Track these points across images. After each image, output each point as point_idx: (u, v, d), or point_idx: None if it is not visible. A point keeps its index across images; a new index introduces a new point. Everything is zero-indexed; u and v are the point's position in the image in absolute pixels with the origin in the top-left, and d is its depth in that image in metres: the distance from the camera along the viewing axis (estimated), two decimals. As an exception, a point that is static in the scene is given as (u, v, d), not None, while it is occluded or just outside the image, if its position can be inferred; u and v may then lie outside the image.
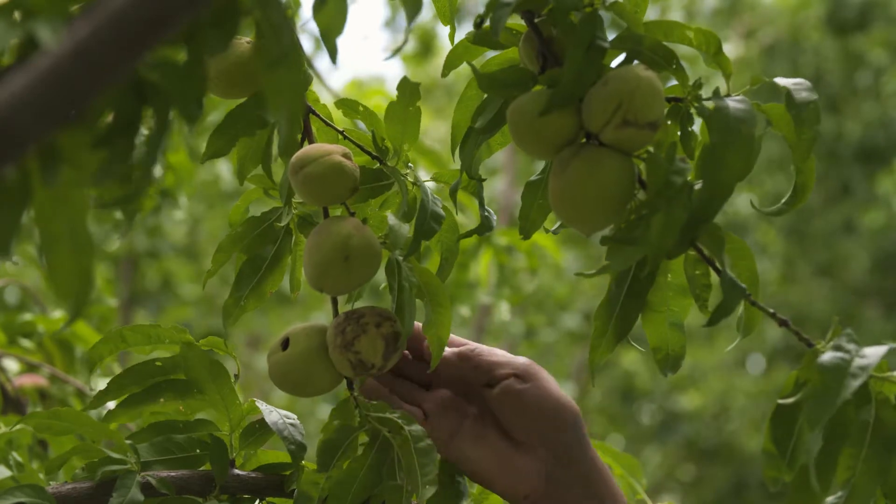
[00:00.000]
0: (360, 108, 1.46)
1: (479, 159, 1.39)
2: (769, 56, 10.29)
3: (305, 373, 1.41)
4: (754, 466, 10.29)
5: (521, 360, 1.42)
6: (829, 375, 1.14)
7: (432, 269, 1.44)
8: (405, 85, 1.42)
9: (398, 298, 1.38)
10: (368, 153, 1.46)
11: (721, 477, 10.58)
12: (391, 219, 1.38)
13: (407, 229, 1.38)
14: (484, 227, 1.43)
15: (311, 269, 1.40)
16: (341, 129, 1.48)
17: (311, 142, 1.45)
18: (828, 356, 1.16)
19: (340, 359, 1.39)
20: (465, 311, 3.09)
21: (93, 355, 1.48)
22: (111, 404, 1.46)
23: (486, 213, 1.43)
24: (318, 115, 1.48)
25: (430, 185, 1.43)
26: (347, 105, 1.47)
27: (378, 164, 1.45)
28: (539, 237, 2.97)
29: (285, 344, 1.42)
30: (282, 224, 1.48)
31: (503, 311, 3.16)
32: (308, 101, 1.47)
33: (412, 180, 1.42)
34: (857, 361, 1.15)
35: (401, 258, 1.38)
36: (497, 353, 1.43)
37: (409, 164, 1.44)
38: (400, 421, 1.38)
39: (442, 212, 1.38)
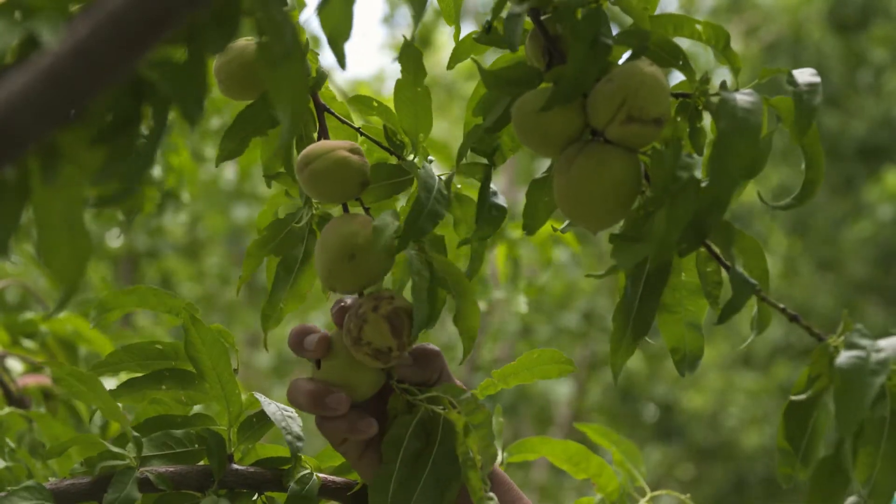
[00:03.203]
0: (375, 105, 1.44)
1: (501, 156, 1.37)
2: (770, 53, 10.29)
3: (346, 378, 1.39)
4: (754, 464, 10.29)
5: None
6: (850, 377, 1.13)
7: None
8: (407, 52, 1.38)
9: (413, 292, 1.35)
10: (385, 148, 1.44)
11: (721, 476, 10.58)
12: (381, 217, 1.34)
13: (394, 227, 1.33)
14: (495, 218, 1.38)
15: (320, 269, 1.38)
16: (357, 126, 1.46)
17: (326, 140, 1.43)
18: (844, 357, 1.14)
19: (360, 355, 1.37)
20: (482, 305, 3.08)
21: (110, 301, 1.46)
22: (111, 384, 1.45)
23: (495, 199, 1.37)
24: (332, 113, 1.46)
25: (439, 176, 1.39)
26: (361, 102, 1.46)
27: (396, 160, 1.43)
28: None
29: (318, 363, 1.41)
30: (300, 225, 1.46)
31: (521, 304, 3.16)
32: (324, 98, 1.46)
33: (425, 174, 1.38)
34: (875, 357, 1.14)
35: (413, 252, 1.35)
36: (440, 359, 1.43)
37: (430, 157, 1.42)
38: (447, 396, 1.36)
39: (443, 210, 1.34)
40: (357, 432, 1.39)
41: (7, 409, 1.51)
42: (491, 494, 1.34)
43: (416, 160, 1.43)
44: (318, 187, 1.38)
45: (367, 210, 1.42)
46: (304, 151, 1.38)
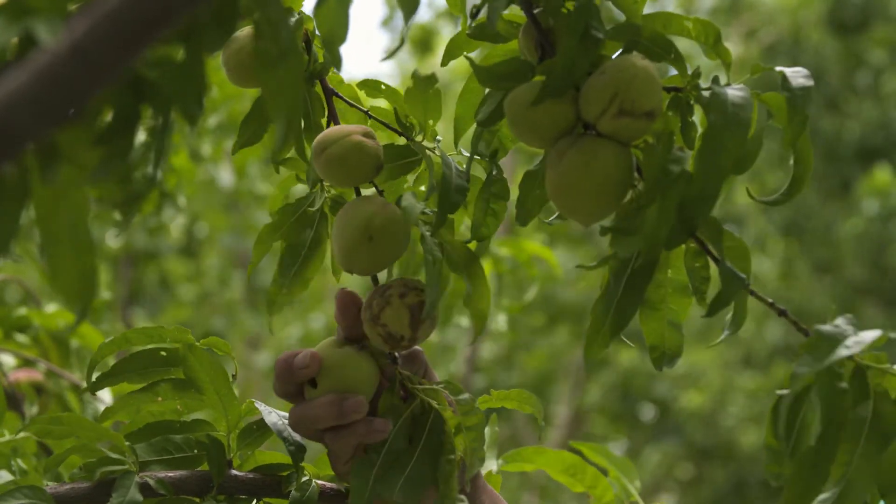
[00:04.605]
0: (383, 87, 1.47)
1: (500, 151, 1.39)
2: (769, 55, 10.29)
3: (346, 388, 1.38)
4: (754, 464, 10.28)
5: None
6: (824, 339, 1.16)
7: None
8: (419, 79, 1.40)
9: (425, 271, 1.37)
10: (394, 130, 1.46)
11: (720, 476, 10.58)
12: (405, 198, 1.37)
13: (420, 207, 1.36)
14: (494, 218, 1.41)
15: (337, 252, 1.40)
16: (366, 109, 1.49)
17: (336, 124, 1.46)
18: (826, 326, 1.17)
19: (372, 333, 1.39)
20: (466, 321, 3.08)
21: (97, 357, 1.48)
22: (107, 398, 1.46)
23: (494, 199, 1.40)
24: (341, 97, 1.48)
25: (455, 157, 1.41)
26: (370, 86, 1.48)
27: (405, 141, 1.45)
28: (538, 249, 3.04)
29: (312, 382, 1.40)
30: (314, 209, 1.48)
31: (500, 322, 3.17)
32: (332, 83, 1.48)
33: (439, 154, 1.41)
34: (853, 338, 1.16)
35: (428, 233, 1.37)
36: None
37: (438, 137, 1.44)
38: (445, 391, 1.37)
39: (466, 185, 1.37)
40: (376, 433, 1.37)
41: (22, 434, 1.51)
42: (462, 497, 1.34)
43: (424, 141, 1.45)
44: (335, 172, 1.40)
45: (380, 192, 1.44)
46: (319, 137, 1.41)
